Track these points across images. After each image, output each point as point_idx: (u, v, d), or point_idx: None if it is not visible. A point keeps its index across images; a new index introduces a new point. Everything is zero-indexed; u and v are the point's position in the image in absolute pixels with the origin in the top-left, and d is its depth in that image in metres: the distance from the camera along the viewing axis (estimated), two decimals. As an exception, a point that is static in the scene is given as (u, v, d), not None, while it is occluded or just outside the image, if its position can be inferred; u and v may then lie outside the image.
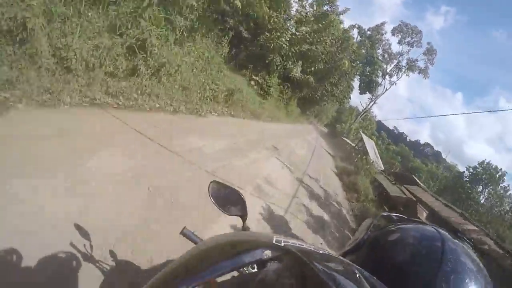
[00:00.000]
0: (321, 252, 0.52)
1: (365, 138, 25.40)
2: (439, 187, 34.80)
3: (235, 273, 0.65)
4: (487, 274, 0.76)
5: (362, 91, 33.89)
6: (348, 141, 28.96)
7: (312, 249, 0.52)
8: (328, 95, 22.98)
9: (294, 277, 0.42)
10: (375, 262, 0.82)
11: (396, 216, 1.04)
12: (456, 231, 0.88)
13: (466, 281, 0.70)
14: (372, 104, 38.22)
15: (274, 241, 0.49)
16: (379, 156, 24.10)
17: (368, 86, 32.97)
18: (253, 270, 0.72)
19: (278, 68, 14.86)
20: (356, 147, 24.87)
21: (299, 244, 0.51)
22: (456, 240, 0.81)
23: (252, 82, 13.58)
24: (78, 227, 1.85)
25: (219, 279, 0.43)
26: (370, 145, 23.93)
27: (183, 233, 0.95)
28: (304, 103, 23.37)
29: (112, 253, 1.97)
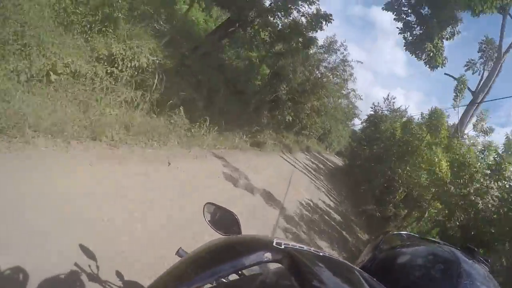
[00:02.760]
0: (321, 254, 0.52)
1: None
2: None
3: (235, 276, 0.65)
4: None
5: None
6: None
7: (312, 251, 0.51)
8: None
9: (294, 279, 0.42)
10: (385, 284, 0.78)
11: (406, 234, 0.98)
12: (473, 251, 0.79)
13: None
14: (491, 85, 10.75)
15: (274, 244, 0.48)
16: None
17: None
18: (253, 273, 0.72)
19: None
20: None
21: (299, 247, 0.51)
22: (472, 262, 0.74)
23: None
24: None
25: (220, 282, 0.43)
26: None
27: (179, 253, 0.95)
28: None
29: None
